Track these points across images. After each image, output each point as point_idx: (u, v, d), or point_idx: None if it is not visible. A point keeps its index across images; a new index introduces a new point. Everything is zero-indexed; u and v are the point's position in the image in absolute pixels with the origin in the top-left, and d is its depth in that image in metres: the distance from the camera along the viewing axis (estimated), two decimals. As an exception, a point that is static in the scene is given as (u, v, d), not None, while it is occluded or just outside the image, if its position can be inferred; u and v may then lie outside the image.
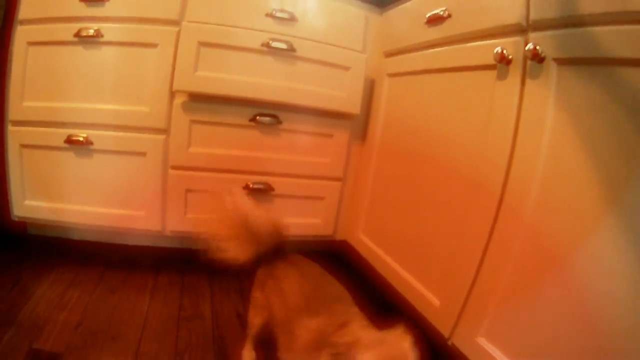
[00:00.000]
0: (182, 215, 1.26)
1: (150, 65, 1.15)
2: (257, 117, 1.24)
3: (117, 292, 1.17)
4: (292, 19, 1.21)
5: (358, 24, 1.30)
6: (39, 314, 1.00)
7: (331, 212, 1.45)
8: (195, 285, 1.27)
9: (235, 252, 0.84)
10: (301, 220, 1.41)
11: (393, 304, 1.21)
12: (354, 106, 1.32)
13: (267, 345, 0.97)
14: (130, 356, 0.93)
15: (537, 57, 0.73)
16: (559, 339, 0.71)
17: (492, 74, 0.85)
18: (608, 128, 0.64)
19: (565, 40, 0.70)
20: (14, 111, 1.14)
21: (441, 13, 1.02)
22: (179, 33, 1.13)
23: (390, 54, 1.29)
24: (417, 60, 1.14)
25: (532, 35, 0.77)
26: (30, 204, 1.19)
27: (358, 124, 1.40)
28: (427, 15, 1.07)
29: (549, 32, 0.73)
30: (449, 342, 0.95)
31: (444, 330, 0.96)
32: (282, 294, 0.80)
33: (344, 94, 1.30)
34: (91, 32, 1.10)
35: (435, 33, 1.05)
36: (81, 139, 1.14)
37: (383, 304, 1.26)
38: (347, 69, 1.29)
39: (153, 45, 1.14)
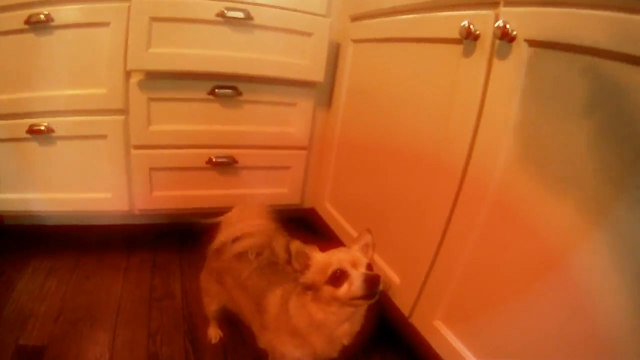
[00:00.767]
0: (149, 194, 1.26)
1: (104, 46, 1.12)
2: (216, 90, 1.21)
3: (91, 277, 1.20)
4: (247, -16, 1.15)
5: (322, -16, 1.23)
6: (22, 308, 1.03)
7: (298, 181, 1.42)
8: (166, 264, 1.29)
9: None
10: (268, 191, 1.39)
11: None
12: (318, 74, 1.26)
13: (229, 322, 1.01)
14: (107, 343, 0.96)
15: (507, 36, 0.65)
16: (513, 325, 0.68)
17: (459, 48, 0.77)
18: (582, 124, 0.57)
19: (541, 20, 0.61)
20: (-29, 107, 1.13)
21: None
22: (129, 9, 1.10)
23: (356, 18, 1.22)
24: (382, 26, 1.07)
25: (504, 10, 0.68)
26: (1, 197, 1.20)
27: (323, 90, 1.35)
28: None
29: (523, 9, 0.64)
30: (410, 320, 0.93)
31: (404, 309, 0.94)
32: (244, 288, 0.83)
33: (307, 62, 1.24)
34: (42, 17, 1.08)
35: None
36: (42, 127, 1.13)
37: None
38: (309, 35, 1.23)
39: (105, 24, 1.11)
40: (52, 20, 1.09)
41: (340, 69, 1.28)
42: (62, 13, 1.09)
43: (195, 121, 1.23)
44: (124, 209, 1.26)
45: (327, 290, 0.66)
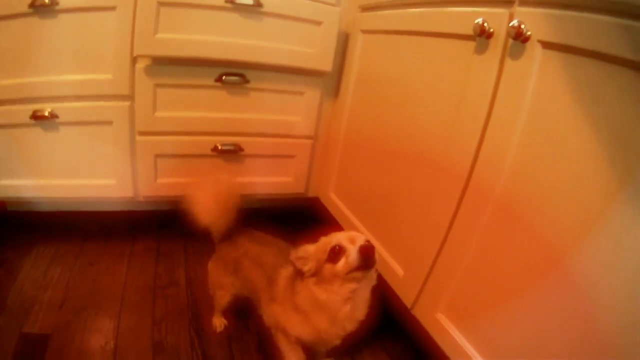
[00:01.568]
0: (153, 181, 1.25)
1: (110, 30, 1.10)
2: (223, 77, 1.19)
3: (96, 264, 1.19)
4: (257, -29, 1.13)
5: (332, -27, 1.21)
6: (26, 296, 1.03)
7: (303, 170, 1.42)
8: (170, 251, 1.28)
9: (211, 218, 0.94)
10: (273, 179, 1.39)
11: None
12: (326, 63, 1.25)
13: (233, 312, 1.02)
14: (112, 331, 0.96)
15: (521, 37, 0.64)
16: (514, 321, 0.69)
17: (471, 45, 0.76)
18: (592, 133, 0.56)
19: (557, 23, 0.60)
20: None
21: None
22: (136, -7, 1.08)
23: (366, 8, 1.20)
24: (393, 18, 1.05)
25: (519, 9, 0.67)
26: (5, 184, 1.19)
27: (331, 80, 1.33)
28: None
29: (539, 10, 0.63)
30: (412, 312, 0.94)
31: (407, 301, 0.95)
32: (261, 265, 0.87)
33: (315, 51, 1.23)
34: (46, 0, 1.07)
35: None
36: (46, 113, 1.12)
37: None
38: (318, 23, 1.21)
39: (111, 8, 1.08)
40: (57, 3, 1.07)
41: (348, 59, 1.27)
42: (67, -5, 1.07)
43: (201, 108, 1.22)
44: (129, 195, 1.25)
45: (328, 268, 0.70)
